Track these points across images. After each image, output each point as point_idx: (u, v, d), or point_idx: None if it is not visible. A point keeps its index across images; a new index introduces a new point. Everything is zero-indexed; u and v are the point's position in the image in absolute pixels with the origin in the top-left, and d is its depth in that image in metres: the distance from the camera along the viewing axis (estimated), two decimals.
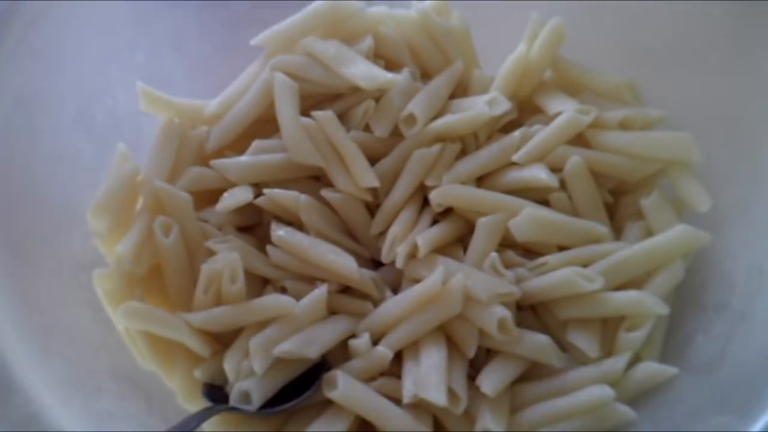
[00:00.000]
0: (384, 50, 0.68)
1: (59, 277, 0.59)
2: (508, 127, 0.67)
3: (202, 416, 0.56)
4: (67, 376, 0.55)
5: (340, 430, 0.56)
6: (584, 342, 0.58)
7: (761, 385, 0.50)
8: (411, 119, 0.65)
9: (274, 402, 0.58)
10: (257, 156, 0.65)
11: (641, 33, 0.68)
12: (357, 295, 0.62)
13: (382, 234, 0.64)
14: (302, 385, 0.59)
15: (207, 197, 0.65)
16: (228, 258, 0.58)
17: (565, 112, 0.64)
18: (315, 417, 0.58)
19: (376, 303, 0.62)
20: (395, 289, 0.63)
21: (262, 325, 0.59)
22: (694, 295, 0.62)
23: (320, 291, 0.60)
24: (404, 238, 0.62)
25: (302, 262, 0.62)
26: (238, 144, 0.66)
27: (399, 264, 0.61)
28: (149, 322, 0.59)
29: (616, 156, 0.64)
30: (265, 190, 0.63)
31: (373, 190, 0.65)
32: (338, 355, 0.60)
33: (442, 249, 0.63)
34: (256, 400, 0.56)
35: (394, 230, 0.62)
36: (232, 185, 0.64)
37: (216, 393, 0.59)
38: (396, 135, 0.66)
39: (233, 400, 0.57)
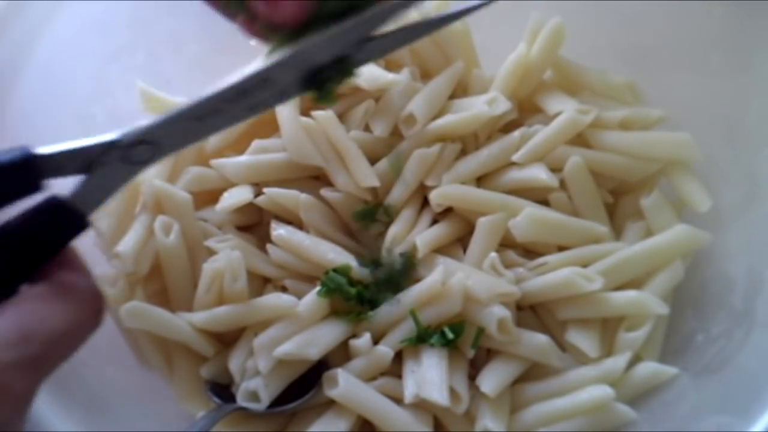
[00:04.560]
0: None
1: None
2: (508, 127, 0.67)
3: (214, 417, 0.56)
4: (66, 377, 0.55)
5: (341, 430, 0.56)
6: (584, 342, 0.58)
7: (761, 385, 0.50)
8: (411, 119, 0.65)
9: (275, 402, 0.58)
10: (257, 156, 0.65)
11: (641, 33, 0.68)
12: None
13: (382, 234, 0.64)
14: (305, 384, 0.59)
15: (207, 197, 0.65)
16: (230, 257, 0.58)
17: (565, 112, 0.64)
18: (317, 417, 0.58)
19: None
20: None
21: (265, 324, 0.59)
22: (694, 295, 0.62)
23: None
24: (404, 238, 0.62)
25: (302, 261, 0.62)
26: (238, 144, 0.67)
27: (398, 264, 0.61)
28: (152, 322, 0.59)
29: (616, 156, 0.64)
30: (265, 190, 0.63)
31: (373, 190, 0.65)
32: (339, 355, 0.60)
33: (441, 249, 0.63)
34: (265, 399, 0.56)
35: (394, 230, 0.63)
36: (232, 185, 0.64)
37: (222, 392, 0.59)
38: (396, 135, 0.66)
39: (241, 399, 0.57)
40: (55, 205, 0.36)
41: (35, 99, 0.61)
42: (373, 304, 0.60)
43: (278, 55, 0.37)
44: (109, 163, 0.37)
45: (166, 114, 0.37)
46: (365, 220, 0.64)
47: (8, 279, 0.35)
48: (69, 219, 0.37)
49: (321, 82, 0.38)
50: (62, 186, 0.38)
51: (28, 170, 0.36)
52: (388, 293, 0.61)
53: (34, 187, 0.36)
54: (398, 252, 0.61)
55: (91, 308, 0.36)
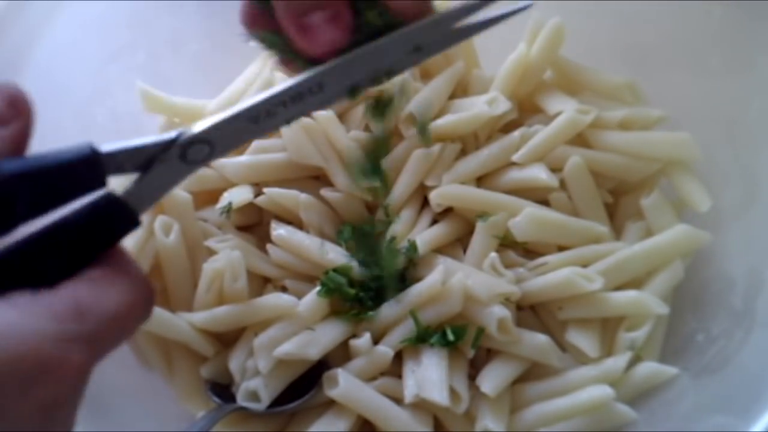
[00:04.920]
0: None
1: None
2: (508, 127, 0.67)
3: (214, 417, 0.56)
4: None
5: (341, 430, 0.56)
6: (584, 342, 0.58)
7: (761, 384, 0.50)
8: (411, 119, 0.65)
9: (276, 401, 0.58)
10: (257, 156, 0.65)
11: (641, 33, 0.68)
12: None
13: (382, 234, 0.64)
14: (305, 384, 0.59)
15: (207, 197, 0.65)
16: (230, 257, 0.58)
17: (565, 112, 0.64)
18: (317, 417, 0.58)
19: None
20: None
21: (265, 324, 0.59)
22: (694, 295, 0.62)
23: None
24: (404, 238, 0.62)
25: (302, 261, 0.62)
26: None
27: (398, 264, 0.61)
28: (152, 322, 0.58)
29: (616, 156, 0.64)
30: (265, 189, 0.63)
31: (373, 190, 0.65)
32: (339, 355, 0.60)
33: (441, 249, 0.63)
34: (265, 399, 0.56)
35: (394, 230, 0.62)
36: (232, 185, 0.64)
37: (222, 392, 0.59)
38: (396, 135, 0.66)
39: (241, 399, 0.57)
40: (110, 202, 0.37)
41: (36, 99, 0.61)
42: (373, 304, 0.60)
43: (333, 62, 0.39)
44: (166, 161, 0.38)
45: (225, 115, 0.38)
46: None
47: (63, 269, 0.35)
48: (122, 216, 0.37)
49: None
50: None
51: (94, 167, 0.36)
52: (388, 293, 0.61)
53: (99, 184, 0.37)
54: (398, 252, 0.61)
55: (143, 294, 0.37)
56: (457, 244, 0.64)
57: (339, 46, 0.39)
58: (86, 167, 0.36)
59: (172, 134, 0.38)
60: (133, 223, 0.38)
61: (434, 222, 0.64)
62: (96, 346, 0.33)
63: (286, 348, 0.56)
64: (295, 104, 0.39)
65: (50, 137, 0.63)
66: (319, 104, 0.40)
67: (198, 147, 0.38)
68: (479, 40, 0.71)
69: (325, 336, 0.58)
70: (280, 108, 0.39)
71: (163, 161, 0.38)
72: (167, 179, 0.38)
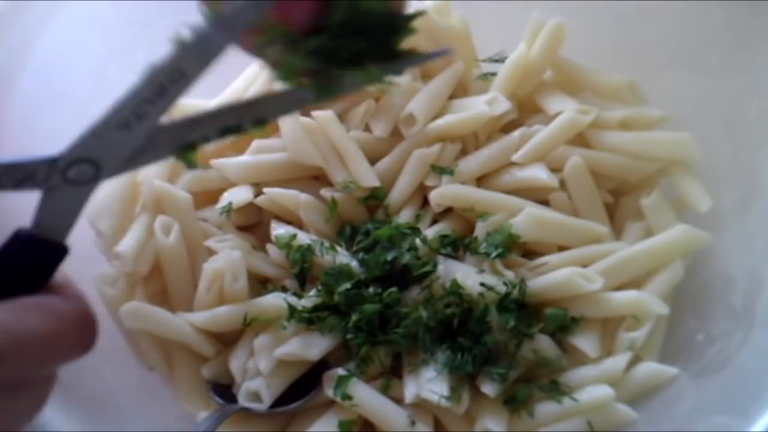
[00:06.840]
0: None
1: None
2: (508, 127, 0.67)
3: (218, 417, 0.56)
4: (66, 377, 0.55)
5: (342, 429, 0.56)
6: (584, 342, 0.58)
7: (761, 385, 0.50)
8: (411, 119, 0.65)
9: (277, 401, 0.57)
10: (257, 156, 0.65)
11: (641, 33, 0.68)
12: None
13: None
14: (306, 384, 0.59)
15: (207, 197, 0.65)
16: (230, 257, 0.58)
17: (565, 112, 0.64)
18: (318, 417, 0.58)
19: None
20: None
21: (266, 324, 0.59)
22: (694, 295, 0.62)
23: None
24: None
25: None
26: (238, 144, 0.66)
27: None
28: (153, 322, 0.59)
29: (616, 156, 0.64)
30: (265, 189, 0.63)
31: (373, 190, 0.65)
32: (340, 355, 0.60)
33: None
34: (267, 399, 0.56)
35: None
36: (232, 185, 0.64)
37: (223, 392, 0.59)
38: (396, 135, 0.66)
39: (242, 400, 0.57)
40: (24, 239, 0.36)
41: (35, 99, 0.61)
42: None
43: (190, 47, 0.35)
44: (54, 187, 0.36)
45: (88, 128, 0.36)
46: None
47: None
48: (44, 250, 0.37)
49: None
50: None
51: None
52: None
53: None
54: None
55: (73, 327, 0.36)
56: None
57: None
58: None
59: (50, 154, 0.36)
60: (59, 252, 0.37)
61: (434, 222, 0.64)
62: (3, 363, 0.33)
63: (286, 348, 0.56)
64: (162, 98, 0.35)
65: (50, 137, 0.63)
66: (184, 92, 0.35)
67: (81, 167, 0.36)
68: (479, 41, 0.71)
69: (325, 336, 0.58)
70: (148, 107, 0.35)
71: (51, 188, 0.36)
72: (67, 205, 0.37)
